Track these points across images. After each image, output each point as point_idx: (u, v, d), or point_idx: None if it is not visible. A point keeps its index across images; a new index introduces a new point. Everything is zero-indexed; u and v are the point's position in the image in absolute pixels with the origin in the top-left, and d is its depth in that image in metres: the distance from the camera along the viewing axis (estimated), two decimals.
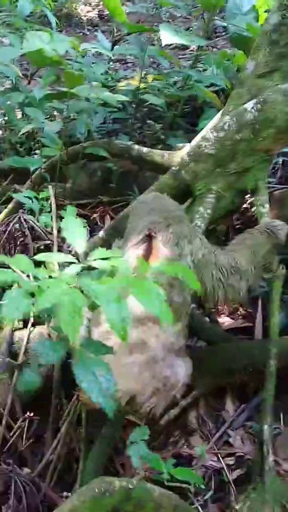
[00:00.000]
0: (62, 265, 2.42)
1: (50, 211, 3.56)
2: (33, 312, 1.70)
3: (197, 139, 3.54)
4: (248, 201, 3.47)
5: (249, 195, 3.03)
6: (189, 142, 4.18)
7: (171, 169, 2.95)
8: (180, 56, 6.49)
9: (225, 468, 2.74)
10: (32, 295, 1.68)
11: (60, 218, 3.38)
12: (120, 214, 3.18)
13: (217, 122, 3.32)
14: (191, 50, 6.66)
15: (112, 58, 5.23)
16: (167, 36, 3.46)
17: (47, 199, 3.61)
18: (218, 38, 6.24)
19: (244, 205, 3.50)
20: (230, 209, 2.95)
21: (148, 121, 4.76)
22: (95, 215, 4.24)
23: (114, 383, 1.78)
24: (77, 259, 1.88)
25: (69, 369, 2.76)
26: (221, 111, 3.36)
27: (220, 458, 2.79)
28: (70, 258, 1.78)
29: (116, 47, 4.80)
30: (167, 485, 2.44)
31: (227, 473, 2.71)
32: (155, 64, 5.93)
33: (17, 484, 2.49)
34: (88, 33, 8.09)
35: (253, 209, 2.93)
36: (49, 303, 1.63)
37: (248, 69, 2.91)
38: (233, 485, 2.67)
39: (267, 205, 2.82)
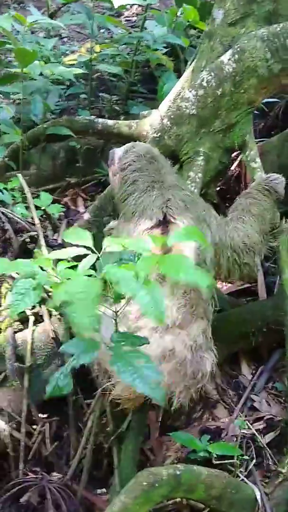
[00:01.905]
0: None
1: (21, 201, 3.35)
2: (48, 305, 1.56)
3: (166, 103, 3.38)
4: None
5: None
6: (152, 108, 4.04)
7: (152, 136, 2.79)
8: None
9: (256, 434, 2.67)
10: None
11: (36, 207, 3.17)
12: (105, 191, 2.99)
13: (186, 80, 3.18)
14: (127, 17, 6.43)
15: (51, 33, 4.96)
16: None
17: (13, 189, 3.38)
18: None
19: None
20: (219, 170, 2.82)
21: (101, 94, 4.55)
22: (66, 199, 4.04)
23: (157, 371, 1.66)
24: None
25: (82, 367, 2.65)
26: (188, 70, 3.20)
27: (249, 425, 2.71)
28: (84, 250, 1.62)
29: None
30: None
31: (260, 438, 2.65)
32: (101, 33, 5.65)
33: (52, 492, 2.34)
34: (14, 11, 7.67)
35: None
36: (65, 296, 1.48)
37: (217, 19, 2.76)
38: (268, 449, 2.62)
39: (258, 160, 2.71)
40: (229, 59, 2.60)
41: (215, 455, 2.32)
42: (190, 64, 3.43)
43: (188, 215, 2.31)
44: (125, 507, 2.01)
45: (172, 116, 2.71)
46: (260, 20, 2.67)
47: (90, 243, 1.64)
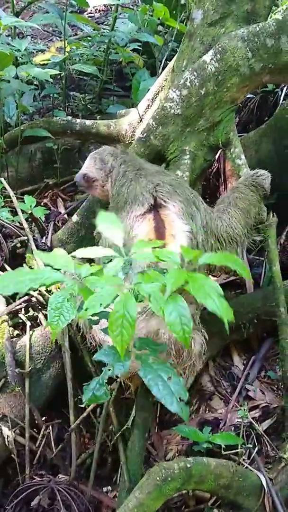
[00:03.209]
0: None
1: (5, 206, 3.33)
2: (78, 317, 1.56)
3: (144, 102, 3.42)
4: None
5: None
6: (127, 107, 4.05)
7: (138, 136, 2.82)
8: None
9: (253, 422, 2.75)
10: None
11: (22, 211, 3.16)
12: None
13: (164, 79, 3.22)
14: (90, 13, 6.40)
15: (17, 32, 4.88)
16: None
17: None
18: None
19: None
20: (204, 167, 2.87)
21: (72, 93, 4.54)
22: (45, 201, 4.02)
23: (183, 386, 1.70)
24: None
25: (81, 367, 2.67)
26: (167, 69, 3.25)
27: (247, 413, 2.79)
28: (110, 252, 1.63)
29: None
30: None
31: (257, 426, 2.73)
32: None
33: (62, 493, 2.37)
34: None
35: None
36: (97, 308, 1.50)
37: (196, 19, 2.80)
38: (266, 436, 2.71)
39: (242, 156, 2.78)
40: (211, 59, 2.64)
41: (224, 446, 2.38)
42: (167, 63, 3.49)
43: (177, 198, 2.36)
44: (140, 503, 2.06)
45: (157, 117, 2.73)
46: (239, 20, 2.73)
47: (109, 251, 1.64)
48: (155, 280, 1.54)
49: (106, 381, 1.70)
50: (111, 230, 1.65)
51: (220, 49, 2.65)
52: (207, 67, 2.66)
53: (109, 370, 1.66)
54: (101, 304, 1.44)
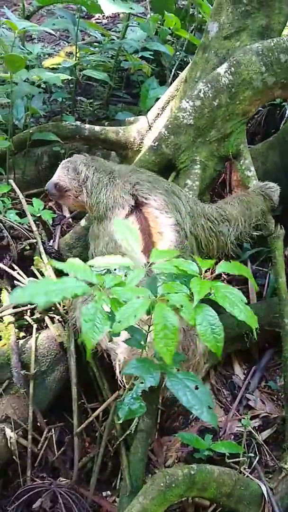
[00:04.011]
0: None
1: (12, 208, 3.34)
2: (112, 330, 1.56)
3: (154, 110, 3.45)
4: None
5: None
6: (135, 114, 4.09)
7: (150, 145, 2.84)
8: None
9: (253, 431, 2.78)
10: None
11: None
12: None
13: (176, 89, 3.26)
14: (97, 19, 6.45)
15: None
16: (108, 5, 3.29)
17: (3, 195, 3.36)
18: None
19: None
20: (213, 177, 2.91)
21: (79, 98, 4.56)
22: (50, 204, 4.03)
23: (209, 394, 1.73)
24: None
25: (84, 371, 2.69)
26: (178, 79, 3.28)
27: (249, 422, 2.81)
28: (128, 261, 1.64)
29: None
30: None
31: (257, 436, 2.76)
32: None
33: (63, 496, 2.37)
34: None
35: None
36: (131, 320, 1.52)
37: (211, 31, 2.84)
38: (265, 446, 2.73)
39: (252, 168, 2.81)
40: (225, 72, 2.68)
41: (228, 454, 2.40)
42: (177, 73, 3.53)
43: (157, 191, 2.41)
44: (143, 508, 2.07)
45: (169, 126, 2.77)
46: (254, 34, 2.77)
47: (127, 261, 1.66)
48: (178, 290, 1.57)
49: (140, 394, 1.72)
50: (129, 241, 1.67)
51: (234, 62, 2.69)
52: (221, 79, 2.70)
53: (141, 383, 1.68)
54: (135, 316, 1.46)
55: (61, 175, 2.69)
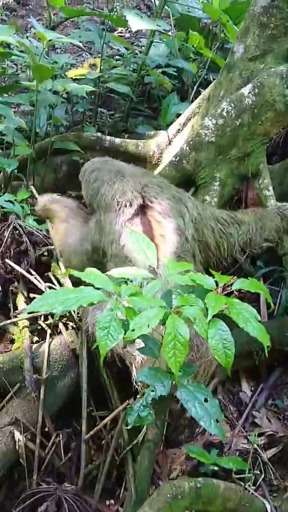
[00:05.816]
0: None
1: (30, 214, 3.39)
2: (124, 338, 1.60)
3: (175, 126, 3.51)
4: None
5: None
6: (154, 128, 4.15)
7: (171, 159, 2.90)
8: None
9: (259, 449, 2.78)
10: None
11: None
12: None
13: (198, 106, 3.31)
14: (120, 32, 6.55)
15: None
16: (136, 22, 3.36)
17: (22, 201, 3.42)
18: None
19: None
20: (232, 195, 2.96)
21: (99, 109, 4.63)
22: None
23: (219, 409, 1.76)
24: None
25: (95, 377, 2.72)
26: (201, 97, 3.34)
27: (256, 439, 2.82)
28: (145, 273, 1.69)
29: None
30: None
31: (262, 454, 2.76)
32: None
33: (69, 502, 2.39)
34: (5, 18, 7.66)
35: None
36: (144, 329, 1.55)
37: (237, 52, 2.91)
38: (270, 464, 2.73)
39: (270, 188, 2.86)
40: (249, 92, 2.74)
41: (235, 469, 2.41)
42: (199, 90, 3.59)
43: (164, 196, 2.47)
44: None
45: (191, 142, 2.83)
46: (279, 57, 2.84)
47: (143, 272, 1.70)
48: (194, 303, 1.60)
49: (150, 402, 1.75)
50: (143, 252, 1.71)
51: (258, 83, 2.74)
52: (245, 99, 2.76)
53: (152, 391, 1.71)
54: (148, 325, 1.49)
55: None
